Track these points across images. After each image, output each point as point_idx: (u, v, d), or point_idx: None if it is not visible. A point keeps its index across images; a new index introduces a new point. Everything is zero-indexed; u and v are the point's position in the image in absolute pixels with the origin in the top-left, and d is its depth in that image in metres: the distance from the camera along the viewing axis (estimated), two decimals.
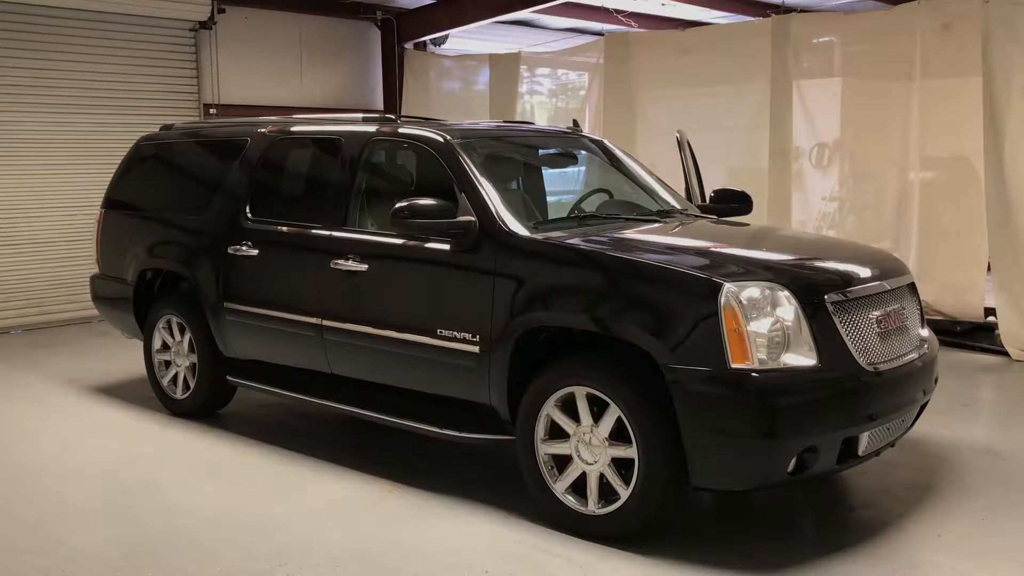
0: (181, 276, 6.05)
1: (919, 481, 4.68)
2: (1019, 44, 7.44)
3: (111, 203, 6.64)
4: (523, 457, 4.22)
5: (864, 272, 4.22)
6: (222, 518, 4.38)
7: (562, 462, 4.13)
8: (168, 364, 6.14)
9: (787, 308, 3.80)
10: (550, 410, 4.11)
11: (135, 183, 6.57)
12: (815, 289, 3.93)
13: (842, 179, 8.86)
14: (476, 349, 4.36)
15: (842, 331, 3.86)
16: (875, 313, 4.06)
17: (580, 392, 4.02)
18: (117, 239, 6.54)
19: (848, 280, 4.09)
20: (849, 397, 3.86)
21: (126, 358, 7.27)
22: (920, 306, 4.60)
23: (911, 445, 4.51)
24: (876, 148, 8.53)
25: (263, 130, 5.80)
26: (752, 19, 10.36)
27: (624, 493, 3.91)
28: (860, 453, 3.96)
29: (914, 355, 4.22)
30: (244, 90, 10.57)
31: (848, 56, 8.82)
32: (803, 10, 9.73)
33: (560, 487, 4.11)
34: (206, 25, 10.15)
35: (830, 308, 3.87)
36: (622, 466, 3.94)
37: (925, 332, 4.49)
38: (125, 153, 6.72)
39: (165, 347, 6.14)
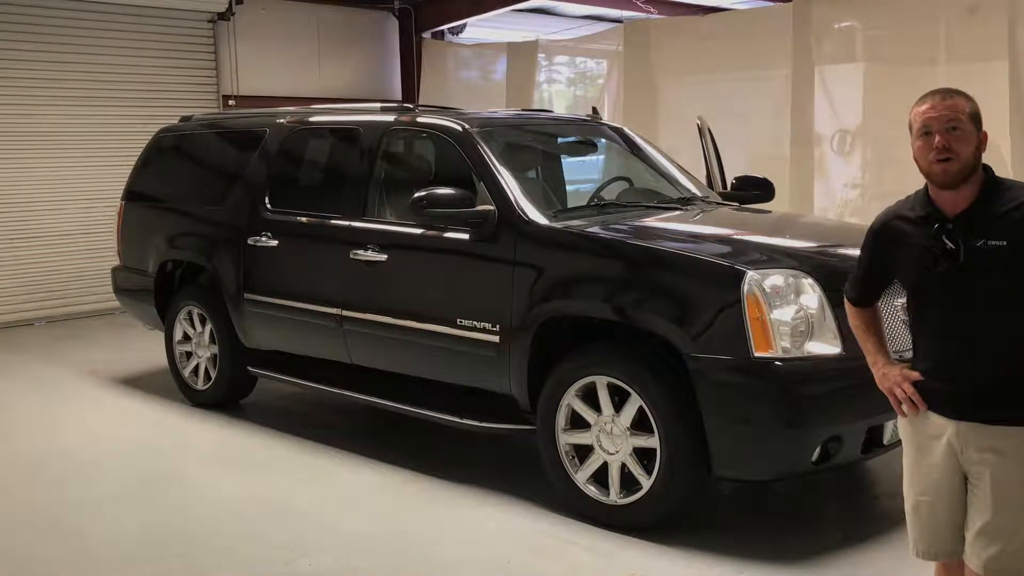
0: (201, 267, 6.06)
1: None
2: None
3: (131, 195, 6.66)
4: (544, 447, 4.20)
5: None
6: (242, 508, 4.39)
7: (583, 452, 4.11)
8: (189, 355, 6.16)
9: (811, 296, 3.75)
10: (571, 400, 4.09)
11: (155, 175, 6.59)
12: (839, 276, 3.86)
13: (864, 166, 8.75)
14: (496, 339, 4.34)
15: None
16: (899, 300, 4.00)
17: (601, 382, 4.00)
18: (138, 231, 6.56)
19: None
20: (874, 385, 3.80)
21: (147, 349, 7.30)
22: None
23: None
24: (899, 134, 8.31)
25: (282, 121, 5.79)
26: (773, 4, 10.25)
27: (646, 483, 3.88)
28: (885, 442, 3.91)
29: None
30: (262, 81, 10.58)
31: (870, 41, 8.69)
32: None
33: (581, 477, 4.09)
34: (224, 16, 10.15)
35: None
36: (644, 456, 3.91)
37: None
38: (145, 145, 6.74)
39: (186, 338, 6.16)
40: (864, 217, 8.55)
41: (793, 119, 8.77)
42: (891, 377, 2.63)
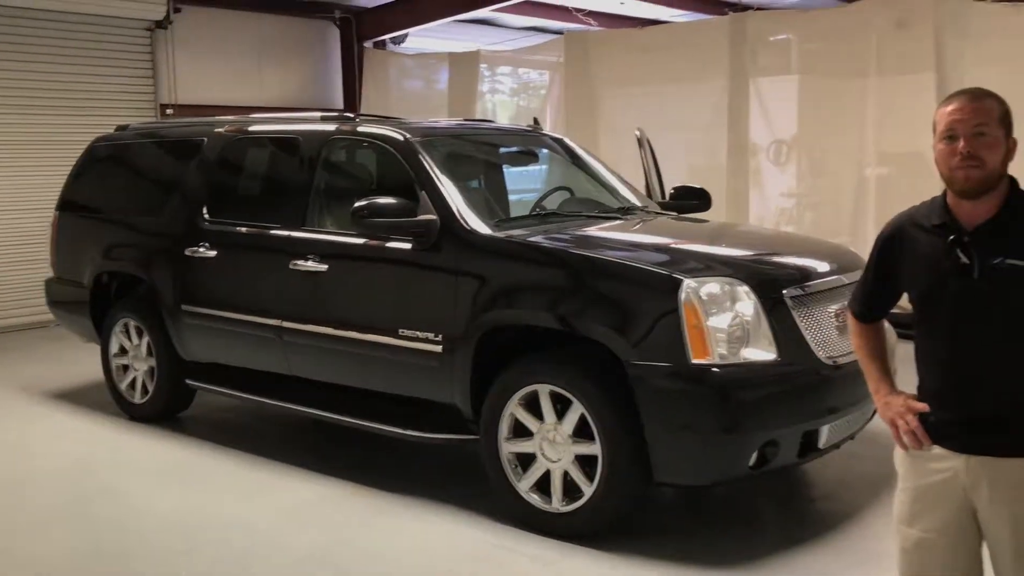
0: (138, 279, 5.96)
1: (878, 473, 4.73)
2: (971, 40, 7.58)
3: (66, 205, 6.53)
4: (487, 456, 4.21)
5: (822, 267, 4.27)
6: (183, 523, 4.33)
7: (526, 460, 4.13)
8: (126, 368, 6.04)
9: (746, 303, 3.83)
10: (514, 409, 4.11)
11: (90, 185, 6.47)
12: (774, 284, 3.97)
13: (800, 175, 8.95)
14: (439, 348, 4.34)
15: (801, 325, 3.90)
16: (833, 307, 4.10)
17: (543, 390, 4.02)
18: (72, 242, 6.43)
19: (806, 275, 4.13)
20: (809, 391, 3.90)
21: (83, 363, 7.15)
22: None
23: (870, 438, 4.56)
24: (833, 144, 8.62)
25: (220, 130, 5.73)
26: (709, 17, 10.43)
27: (588, 490, 3.91)
28: (820, 446, 4.00)
29: None
30: (202, 90, 10.44)
31: (805, 53, 8.91)
32: (760, 8, 9.81)
33: (524, 485, 4.11)
34: (162, 25, 10.01)
35: (789, 303, 3.90)
36: (586, 463, 3.94)
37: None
38: (79, 155, 6.61)
39: (123, 351, 6.04)
40: (799, 226, 8.78)
41: (729, 130, 8.94)
42: (894, 407, 2.41)
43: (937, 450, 2.33)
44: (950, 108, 2.25)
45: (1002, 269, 2.19)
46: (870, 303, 2.58)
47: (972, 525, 2.32)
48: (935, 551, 2.37)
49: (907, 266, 2.39)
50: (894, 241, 2.42)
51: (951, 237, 2.26)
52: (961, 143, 2.20)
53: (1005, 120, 2.24)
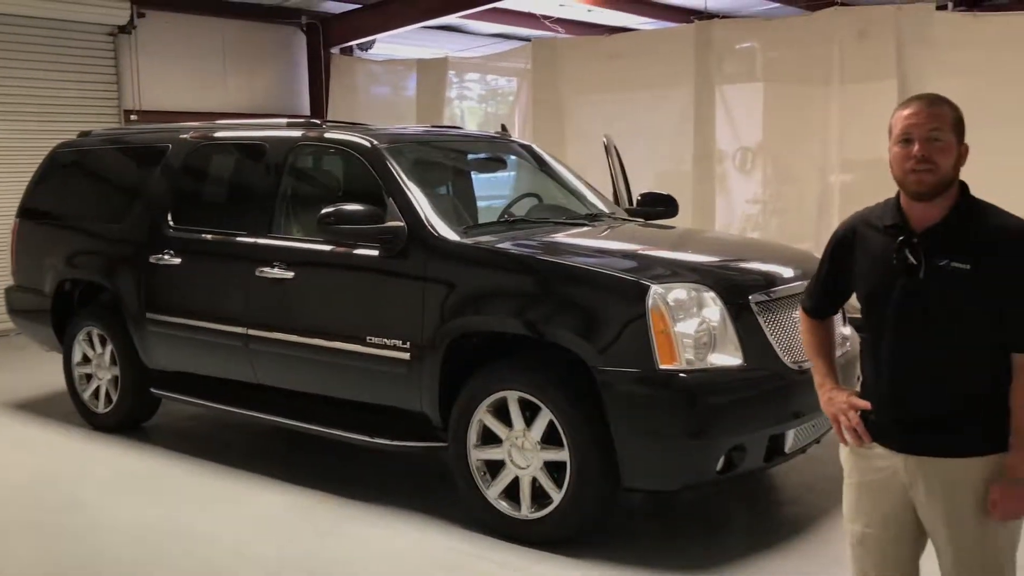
0: (101, 287, 5.88)
1: (843, 477, 4.78)
2: (931, 49, 7.71)
3: (26, 212, 6.43)
4: (456, 464, 4.20)
5: (787, 272, 4.31)
6: (147, 535, 4.27)
7: (495, 467, 4.12)
8: (89, 377, 5.96)
9: (713, 309, 3.85)
10: (482, 415, 4.10)
11: (52, 191, 6.38)
12: (739, 290, 4.00)
13: (765, 182, 9.03)
14: (407, 356, 4.32)
15: (767, 330, 3.93)
16: (798, 313, 4.13)
17: (512, 397, 4.02)
18: (33, 249, 6.34)
19: (771, 280, 4.17)
20: (774, 395, 3.93)
21: (45, 372, 7.03)
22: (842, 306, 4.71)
23: (835, 442, 4.60)
24: (797, 151, 8.71)
25: (185, 136, 5.68)
26: (676, 25, 10.51)
27: (557, 496, 3.91)
28: (787, 450, 4.04)
29: (837, 352, 4.32)
30: (166, 96, 10.34)
31: (769, 61, 9.00)
32: (725, 16, 9.91)
33: (493, 493, 4.10)
34: (125, 30, 9.91)
35: (754, 308, 3.94)
36: (554, 469, 3.94)
37: (847, 330, 4.60)
38: (41, 161, 6.52)
39: (86, 360, 5.96)
40: (765, 232, 8.86)
41: (696, 137, 9.01)
42: (837, 403, 2.47)
43: (879, 448, 2.40)
44: (907, 112, 2.30)
45: (947, 271, 2.25)
46: (821, 299, 2.65)
47: (914, 520, 2.39)
48: (878, 545, 2.44)
49: (858, 265, 2.45)
50: (847, 240, 2.49)
51: (901, 238, 2.31)
52: (916, 147, 2.26)
53: (958, 127, 2.30)
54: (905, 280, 2.30)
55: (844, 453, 2.53)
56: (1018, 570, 2.39)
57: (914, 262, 2.28)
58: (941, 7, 8.21)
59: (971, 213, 2.31)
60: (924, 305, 2.29)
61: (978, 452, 2.30)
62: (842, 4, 8.78)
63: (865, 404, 2.42)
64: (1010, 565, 2.36)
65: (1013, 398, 2.28)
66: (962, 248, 2.26)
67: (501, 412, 4.07)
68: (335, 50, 11.81)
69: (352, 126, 5.48)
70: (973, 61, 7.47)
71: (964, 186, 2.34)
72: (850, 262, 2.48)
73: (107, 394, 5.85)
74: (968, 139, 2.35)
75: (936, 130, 2.26)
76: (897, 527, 2.41)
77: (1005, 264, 2.24)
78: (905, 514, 2.39)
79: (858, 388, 2.53)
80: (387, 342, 4.39)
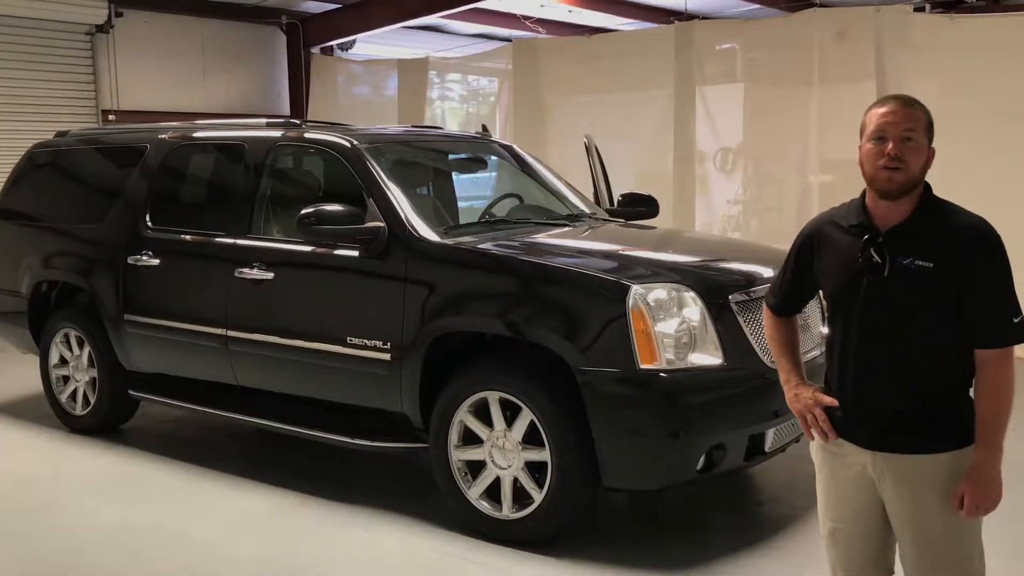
0: (79, 288, 5.83)
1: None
2: (909, 50, 7.78)
3: (2, 213, 6.36)
4: (437, 464, 4.19)
5: (767, 272, 4.31)
6: (125, 538, 4.23)
7: (476, 468, 4.12)
8: (66, 379, 5.90)
9: (693, 309, 3.86)
10: (463, 416, 4.09)
11: (28, 192, 6.31)
12: (720, 289, 4.01)
13: (745, 182, 9.09)
14: (387, 357, 4.31)
15: (746, 330, 3.95)
16: None
17: (493, 397, 4.01)
18: (10, 250, 6.27)
19: (751, 280, 4.19)
20: (754, 394, 3.94)
21: (21, 375, 6.97)
22: (821, 305, 4.73)
23: None
24: (777, 152, 8.77)
25: (164, 136, 5.64)
26: (656, 26, 10.54)
27: (538, 496, 3.91)
28: (767, 449, 4.05)
29: (816, 352, 4.34)
30: (145, 96, 10.28)
31: (749, 62, 9.06)
32: (705, 17, 9.95)
33: (474, 493, 4.10)
34: (103, 29, 9.85)
35: (734, 308, 3.95)
36: (536, 470, 3.94)
37: (826, 330, 4.62)
38: (17, 161, 6.45)
39: (63, 362, 5.91)
40: (745, 232, 8.91)
41: (676, 137, 9.06)
42: (802, 399, 2.51)
43: (847, 445, 2.44)
44: (882, 111, 2.33)
45: (910, 269, 2.29)
46: (786, 297, 2.68)
47: (884, 516, 2.43)
48: (849, 540, 2.49)
49: (824, 263, 2.49)
50: (813, 239, 2.53)
51: (866, 237, 2.35)
52: (890, 145, 2.29)
53: (930, 130, 2.34)
54: (870, 279, 2.34)
55: (814, 448, 2.57)
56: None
57: (879, 261, 2.32)
58: (918, 9, 8.28)
59: (934, 213, 2.35)
60: (889, 303, 2.33)
61: (944, 448, 2.34)
62: (821, 5, 8.85)
63: (831, 401, 2.46)
64: (977, 550, 2.41)
65: (977, 394, 2.33)
66: (925, 247, 2.30)
67: (482, 412, 4.07)
68: (315, 50, 11.78)
69: (332, 126, 5.46)
70: (950, 63, 7.54)
71: (928, 186, 2.38)
72: (815, 261, 2.52)
73: (85, 396, 5.80)
74: (945, 139, 2.39)
75: (910, 131, 2.29)
76: (866, 522, 2.45)
77: (965, 261, 2.28)
78: (874, 509, 2.43)
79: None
80: (368, 343, 4.37)
